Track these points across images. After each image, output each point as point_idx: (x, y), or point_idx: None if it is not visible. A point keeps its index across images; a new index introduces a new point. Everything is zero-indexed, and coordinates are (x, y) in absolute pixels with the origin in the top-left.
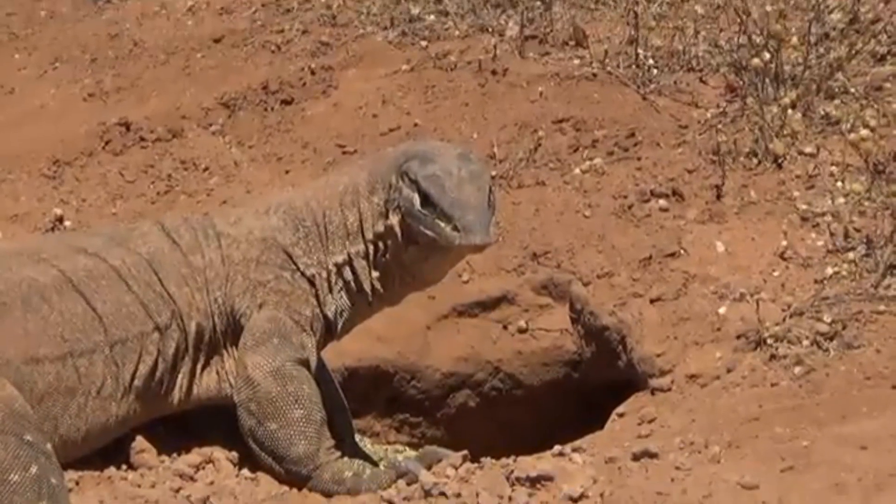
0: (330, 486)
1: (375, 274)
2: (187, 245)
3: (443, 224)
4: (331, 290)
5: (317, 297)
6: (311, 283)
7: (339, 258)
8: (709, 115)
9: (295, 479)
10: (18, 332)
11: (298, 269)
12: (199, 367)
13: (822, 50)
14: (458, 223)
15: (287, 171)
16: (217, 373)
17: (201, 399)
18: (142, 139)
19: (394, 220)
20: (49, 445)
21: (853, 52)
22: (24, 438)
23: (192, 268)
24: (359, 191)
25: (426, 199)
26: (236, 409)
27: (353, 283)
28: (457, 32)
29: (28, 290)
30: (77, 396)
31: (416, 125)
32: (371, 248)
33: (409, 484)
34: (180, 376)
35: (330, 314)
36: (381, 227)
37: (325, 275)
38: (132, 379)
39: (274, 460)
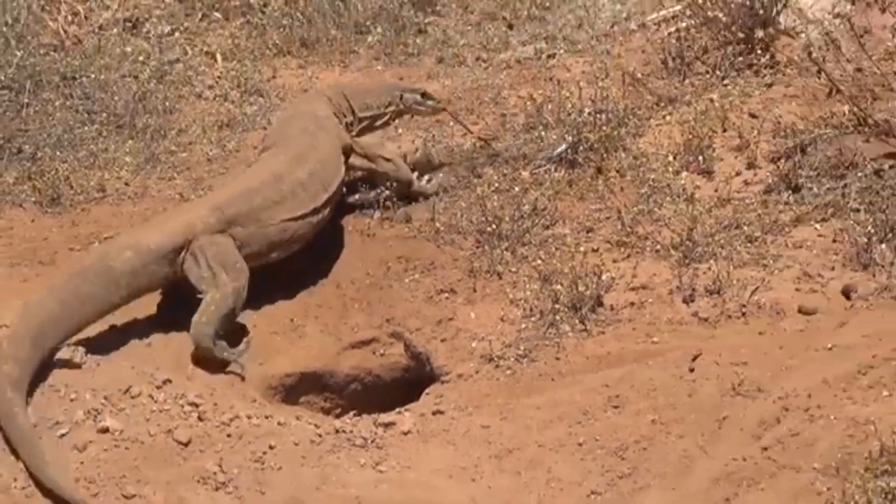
0: (427, 188)
1: None
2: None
3: (432, 104)
4: None
5: None
6: None
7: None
8: None
9: (410, 192)
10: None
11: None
12: None
13: None
14: (439, 106)
15: None
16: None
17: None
18: None
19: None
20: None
21: None
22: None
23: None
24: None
25: (424, 95)
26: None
27: None
28: None
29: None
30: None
31: None
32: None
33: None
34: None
35: None
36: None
37: None
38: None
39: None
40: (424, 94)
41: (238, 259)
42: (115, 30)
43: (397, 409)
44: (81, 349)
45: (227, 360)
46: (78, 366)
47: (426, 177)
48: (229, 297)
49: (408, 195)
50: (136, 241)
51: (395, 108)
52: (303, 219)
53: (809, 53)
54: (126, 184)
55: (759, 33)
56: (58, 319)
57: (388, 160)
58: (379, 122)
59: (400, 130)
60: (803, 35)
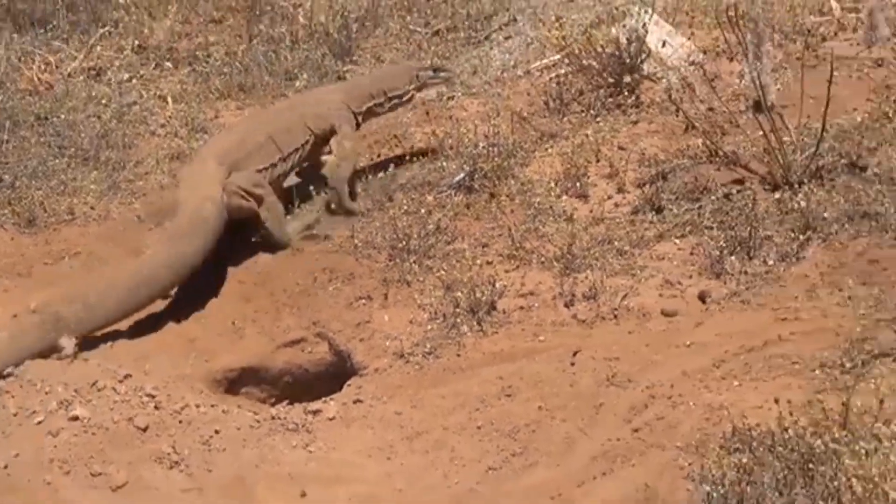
0: (347, 205)
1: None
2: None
3: (444, 75)
4: None
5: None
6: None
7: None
8: None
9: (339, 199)
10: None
11: None
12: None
13: None
14: (451, 75)
15: None
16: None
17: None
18: None
19: (411, 87)
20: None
21: None
22: None
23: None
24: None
25: (437, 71)
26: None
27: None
28: None
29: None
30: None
31: None
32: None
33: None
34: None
35: None
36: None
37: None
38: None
39: (333, 183)
40: (436, 69)
41: (268, 190)
42: (81, 77)
43: (323, 399)
44: (73, 340)
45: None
46: (72, 355)
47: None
48: (275, 206)
49: (336, 203)
50: (203, 195)
51: (415, 86)
52: (266, 171)
53: (670, 95)
54: (91, 208)
55: (626, 78)
56: (173, 272)
57: (344, 151)
58: (405, 98)
59: None
60: (664, 80)
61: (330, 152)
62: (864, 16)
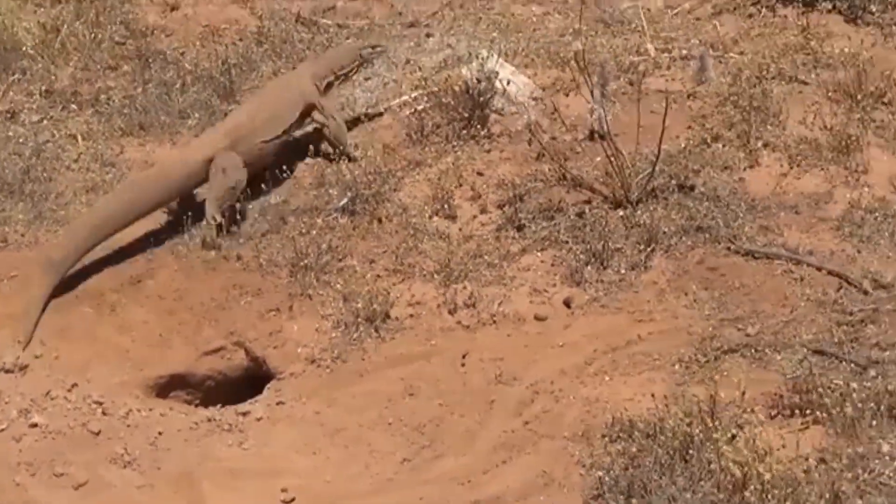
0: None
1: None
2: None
3: (380, 49)
4: None
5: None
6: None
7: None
8: None
9: (343, 151)
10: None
11: None
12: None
13: None
14: (384, 49)
15: None
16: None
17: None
18: None
19: (356, 64)
20: None
21: None
22: None
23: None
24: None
25: (374, 48)
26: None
27: None
28: None
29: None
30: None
31: None
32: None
33: None
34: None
35: None
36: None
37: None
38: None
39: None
40: (373, 47)
41: (239, 166)
42: None
43: (250, 401)
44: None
45: (214, 238)
46: (24, 366)
47: (353, 144)
48: (228, 189)
49: (340, 152)
50: (183, 157)
51: (358, 62)
52: (269, 143)
53: (530, 128)
54: (22, 235)
55: (479, 113)
56: (121, 213)
57: (335, 119)
58: (351, 75)
59: None
60: (525, 115)
61: (311, 122)
62: (697, 60)
